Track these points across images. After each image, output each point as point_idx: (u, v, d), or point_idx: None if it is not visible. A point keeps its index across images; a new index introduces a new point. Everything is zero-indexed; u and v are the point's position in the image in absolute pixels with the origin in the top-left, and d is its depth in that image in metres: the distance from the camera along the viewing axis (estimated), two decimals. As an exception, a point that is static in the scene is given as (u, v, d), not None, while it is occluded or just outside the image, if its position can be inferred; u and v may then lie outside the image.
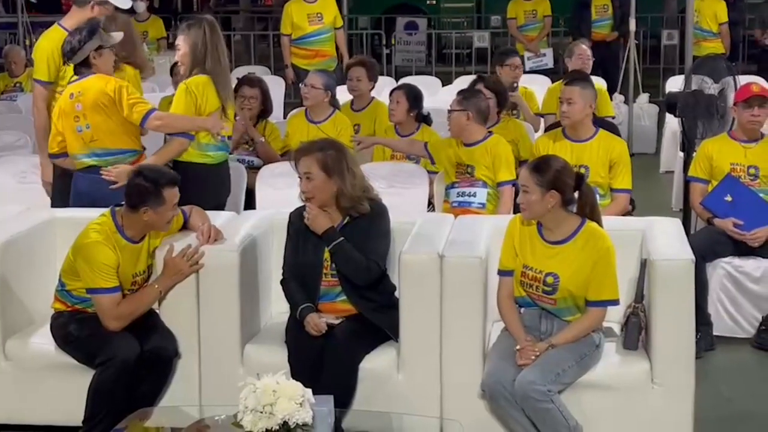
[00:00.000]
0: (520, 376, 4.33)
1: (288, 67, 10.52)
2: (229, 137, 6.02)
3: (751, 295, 6.01)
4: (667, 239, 4.80)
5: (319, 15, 10.40)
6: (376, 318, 4.70)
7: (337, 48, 10.61)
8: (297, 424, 3.50)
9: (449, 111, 6.24)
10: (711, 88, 6.97)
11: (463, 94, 6.29)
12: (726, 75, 7.14)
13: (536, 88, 8.80)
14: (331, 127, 7.05)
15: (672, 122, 9.24)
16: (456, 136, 6.25)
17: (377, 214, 4.77)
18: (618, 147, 6.18)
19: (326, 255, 4.72)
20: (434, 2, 18.79)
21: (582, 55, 8.75)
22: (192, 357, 4.79)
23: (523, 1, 12.64)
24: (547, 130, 7.40)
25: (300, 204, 4.79)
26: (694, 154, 6.46)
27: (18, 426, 4.93)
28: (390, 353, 4.68)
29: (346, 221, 4.75)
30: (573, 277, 4.48)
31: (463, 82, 8.87)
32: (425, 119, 7.13)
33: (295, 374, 4.02)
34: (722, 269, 5.99)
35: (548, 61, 12.21)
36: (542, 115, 8.20)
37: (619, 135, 6.85)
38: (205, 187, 5.63)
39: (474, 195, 6.13)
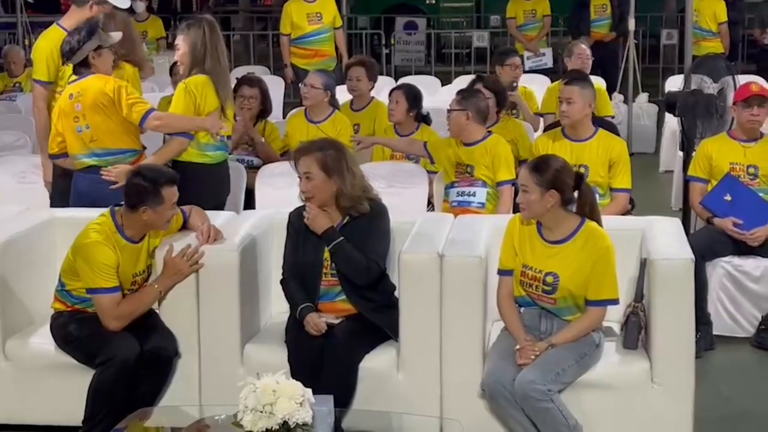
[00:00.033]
0: (520, 376, 4.33)
1: (287, 67, 10.51)
2: (229, 137, 6.01)
3: (750, 295, 6.01)
4: (666, 239, 4.80)
5: (318, 15, 10.39)
6: (376, 318, 4.70)
7: (336, 48, 10.59)
8: (297, 423, 3.50)
9: (449, 111, 6.24)
10: (710, 87, 6.97)
11: (463, 94, 6.29)
12: (725, 74, 7.14)
13: (536, 87, 8.79)
14: (331, 127, 7.04)
15: (671, 122, 9.24)
16: (455, 136, 6.24)
17: (377, 213, 4.76)
18: (617, 146, 6.18)
19: (326, 255, 4.72)
20: (433, 2, 18.78)
21: (581, 54, 8.73)
22: (192, 357, 4.78)
23: (523, 0, 12.64)
24: (546, 129, 7.40)
25: (300, 204, 4.79)
26: (694, 154, 6.45)
27: (18, 426, 4.92)
28: (390, 353, 4.68)
29: (345, 221, 4.75)
30: (573, 276, 4.47)
31: (462, 81, 8.85)
32: (425, 119, 7.12)
33: (295, 374, 4.01)
34: (722, 269, 5.99)
35: (548, 61, 12.20)
36: (542, 115, 8.19)
37: (619, 134, 6.84)
38: (204, 186, 5.62)
39: (473, 194, 6.12)
